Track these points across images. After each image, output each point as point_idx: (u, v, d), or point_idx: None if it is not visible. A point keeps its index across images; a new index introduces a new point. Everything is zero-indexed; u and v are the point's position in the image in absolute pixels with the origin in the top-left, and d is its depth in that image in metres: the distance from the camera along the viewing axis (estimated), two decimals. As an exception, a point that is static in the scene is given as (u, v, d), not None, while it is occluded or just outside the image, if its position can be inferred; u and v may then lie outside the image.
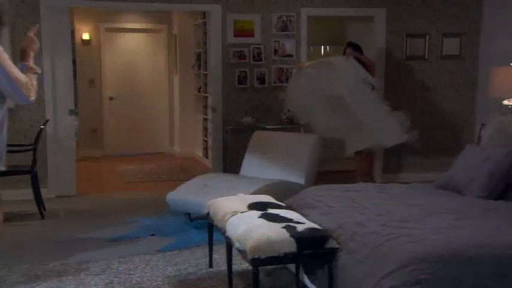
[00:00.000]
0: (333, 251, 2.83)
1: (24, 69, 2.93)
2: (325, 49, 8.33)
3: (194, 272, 3.82)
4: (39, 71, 3.05)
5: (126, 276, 3.71)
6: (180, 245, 4.43)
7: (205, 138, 8.46)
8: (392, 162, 6.95)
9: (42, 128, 5.49)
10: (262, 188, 4.86)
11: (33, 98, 2.91)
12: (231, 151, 6.57)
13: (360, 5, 6.73)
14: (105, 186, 6.99)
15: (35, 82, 2.94)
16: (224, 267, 3.83)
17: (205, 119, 8.45)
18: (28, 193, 5.40)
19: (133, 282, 3.62)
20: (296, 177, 5.32)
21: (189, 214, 5.13)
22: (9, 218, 4.88)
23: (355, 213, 3.11)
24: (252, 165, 5.73)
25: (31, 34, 3.04)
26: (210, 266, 3.89)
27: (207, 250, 4.15)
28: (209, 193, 4.86)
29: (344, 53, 6.09)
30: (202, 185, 5.18)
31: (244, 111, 6.61)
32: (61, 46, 6.12)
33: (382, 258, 2.49)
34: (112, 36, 9.21)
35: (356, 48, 6.07)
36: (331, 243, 2.86)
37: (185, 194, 5.07)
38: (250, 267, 3.71)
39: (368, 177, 6.00)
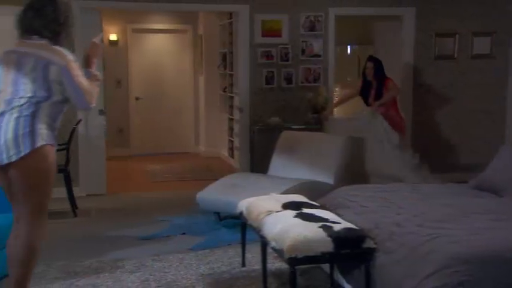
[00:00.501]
0: (370, 251, 2.84)
1: (88, 76, 3.01)
2: (351, 49, 8.30)
3: (227, 270, 3.85)
4: (101, 78, 3.18)
5: (161, 274, 3.76)
6: (211, 244, 4.47)
7: (231, 138, 8.50)
8: (421, 163, 6.88)
9: (74, 128, 5.58)
10: (291, 188, 4.88)
11: (93, 104, 3.03)
12: (258, 151, 6.60)
13: (389, 5, 6.70)
14: (133, 186, 7.08)
15: (97, 89, 3.04)
16: (257, 266, 3.87)
17: (231, 119, 8.49)
18: (60, 191, 5.49)
19: (169, 280, 3.67)
20: (325, 177, 5.32)
21: (218, 213, 5.17)
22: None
23: (391, 213, 3.11)
24: (280, 165, 5.75)
25: (96, 40, 3.13)
26: (243, 265, 3.92)
27: (238, 249, 4.19)
28: (239, 193, 4.89)
29: (364, 67, 6.24)
30: (231, 184, 5.21)
31: (271, 111, 6.63)
32: (92, 47, 6.20)
33: (422, 258, 2.49)
34: (139, 37, 9.31)
35: (376, 63, 6.14)
36: (368, 243, 2.86)
37: (215, 194, 5.11)
38: (284, 266, 3.80)
39: None
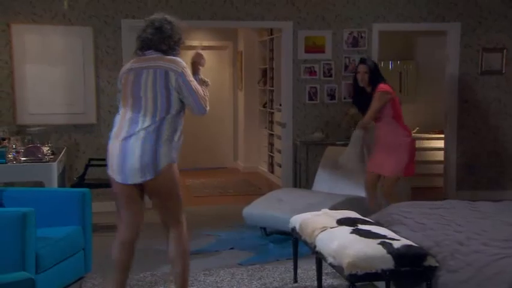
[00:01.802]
0: (432, 269, 2.81)
1: (198, 82, 3.22)
2: (395, 64, 8.27)
3: (280, 286, 3.85)
4: (210, 83, 3.38)
5: (213, 290, 3.79)
6: (260, 259, 4.48)
7: (271, 154, 8.53)
8: (467, 179, 6.79)
9: (122, 143, 5.69)
10: (338, 204, 4.87)
11: (208, 108, 3.22)
12: (301, 166, 6.61)
13: (433, 20, 6.67)
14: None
15: (207, 93, 3.25)
16: (309, 283, 3.86)
17: (271, 135, 8.53)
18: (109, 205, 5.58)
19: (222, 294, 3.69)
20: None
21: (264, 228, 5.19)
22: (95, 228, 5.08)
23: (451, 231, 3.08)
24: (324, 181, 5.75)
25: (199, 51, 3.42)
26: (295, 280, 3.91)
27: (287, 265, 4.20)
28: (285, 208, 4.92)
29: (356, 71, 5.03)
30: (277, 199, 5.24)
31: (314, 127, 6.64)
32: (138, 64, 6.34)
33: (491, 279, 2.45)
34: (180, 54, 9.45)
35: (371, 66, 4.91)
36: (430, 261, 2.84)
37: (261, 209, 5.14)
38: (336, 283, 3.79)
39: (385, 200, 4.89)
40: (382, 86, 4.82)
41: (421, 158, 7.71)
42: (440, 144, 7.37)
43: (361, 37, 6.63)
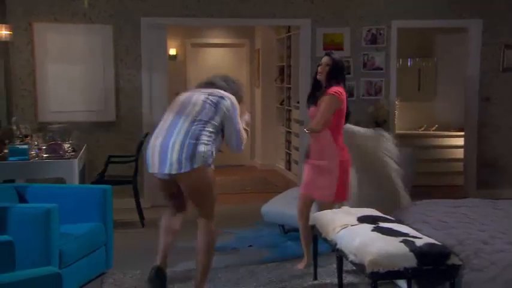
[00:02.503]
0: (456, 268, 2.79)
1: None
2: (413, 62, 8.21)
3: (300, 283, 3.86)
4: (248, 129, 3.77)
5: (233, 285, 3.80)
6: (279, 257, 4.48)
7: (288, 151, 8.52)
8: (487, 178, 6.72)
9: (142, 141, 5.72)
10: (356, 201, 4.85)
11: (243, 148, 3.62)
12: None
13: (454, 17, 6.60)
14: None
15: (245, 136, 3.64)
16: (328, 280, 3.86)
17: (288, 132, 8.52)
18: (128, 202, 5.64)
19: (242, 291, 3.70)
20: (390, 191, 5.26)
21: (283, 226, 5.19)
22: (114, 225, 5.12)
23: (474, 230, 3.05)
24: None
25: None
26: (315, 278, 3.91)
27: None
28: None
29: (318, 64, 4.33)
30: (296, 197, 5.21)
31: (332, 125, 6.61)
32: (157, 61, 6.38)
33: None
34: (196, 51, 9.50)
35: (334, 62, 4.21)
36: (453, 260, 2.81)
37: (280, 207, 5.14)
38: (356, 281, 3.78)
39: None
40: (335, 89, 4.02)
41: (441, 156, 7.67)
42: (460, 142, 7.31)
43: (380, 34, 6.59)
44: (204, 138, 3.35)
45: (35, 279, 2.16)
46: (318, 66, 4.24)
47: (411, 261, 2.81)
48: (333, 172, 3.98)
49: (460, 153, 7.28)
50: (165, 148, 3.34)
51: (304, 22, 6.54)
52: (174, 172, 3.33)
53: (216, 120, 3.42)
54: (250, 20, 6.66)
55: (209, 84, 3.66)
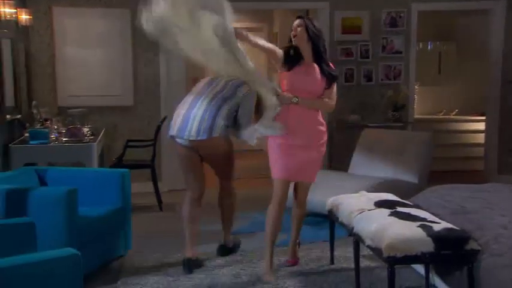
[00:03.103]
0: (474, 253, 2.76)
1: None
2: (433, 45, 8.09)
3: (316, 268, 3.87)
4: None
5: (251, 269, 3.83)
6: (296, 241, 4.48)
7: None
8: (509, 163, 6.62)
9: (159, 125, 5.76)
10: (375, 186, 4.83)
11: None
12: (337, 149, 6.57)
13: (476, -2, 6.48)
14: (212, 182, 7.19)
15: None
16: (345, 264, 3.86)
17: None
18: (146, 186, 5.69)
19: (259, 274, 3.72)
20: (409, 176, 5.24)
21: (300, 210, 5.18)
22: (132, 208, 5.17)
23: (494, 215, 3.01)
24: (361, 164, 5.69)
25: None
26: (332, 262, 3.91)
27: (323, 246, 4.21)
28: (320, 190, 4.88)
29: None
30: (314, 182, 5.21)
31: (350, 109, 6.57)
32: (175, 46, 6.37)
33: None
34: (215, 36, 9.46)
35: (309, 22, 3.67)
36: (472, 245, 2.79)
37: (296, 191, 5.12)
38: (372, 265, 3.77)
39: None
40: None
41: (461, 140, 7.58)
42: (481, 126, 7.22)
43: (400, 17, 6.50)
44: (223, 113, 3.64)
45: (54, 259, 2.20)
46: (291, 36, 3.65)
47: (428, 246, 2.80)
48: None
49: (481, 138, 7.19)
50: (186, 118, 3.67)
51: (323, 5, 6.48)
52: (192, 138, 3.65)
53: (233, 102, 3.67)
54: (268, 3, 6.61)
55: None
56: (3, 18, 4.70)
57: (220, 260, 4.03)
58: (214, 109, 3.64)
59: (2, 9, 4.69)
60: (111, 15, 6.07)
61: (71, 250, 2.32)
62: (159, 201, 5.58)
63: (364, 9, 6.47)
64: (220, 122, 3.63)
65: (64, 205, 3.37)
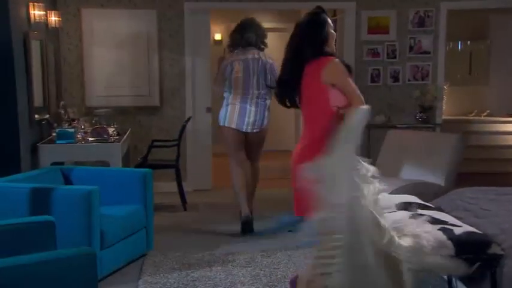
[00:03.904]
0: (497, 257, 2.69)
1: None
2: (464, 45, 7.92)
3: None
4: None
5: (270, 270, 3.81)
6: (318, 243, 4.44)
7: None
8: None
9: (184, 125, 5.79)
10: (400, 189, 4.74)
11: None
12: (363, 150, 6.48)
13: (508, -4, 6.32)
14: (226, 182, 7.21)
15: None
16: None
17: (333, 117, 8.41)
18: (171, 186, 5.74)
19: (279, 276, 3.71)
20: (435, 178, 5.12)
21: (324, 212, 5.14)
22: (157, 208, 5.22)
23: (517, 219, 2.93)
24: (387, 165, 5.59)
25: None
26: (353, 264, 3.86)
27: (346, 249, 4.15)
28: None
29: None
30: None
31: (377, 110, 6.48)
32: (200, 46, 6.42)
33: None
34: (242, 36, 9.46)
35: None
36: (495, 249, 2.72)
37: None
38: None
39: None
40: None
41: (492, 142, 7.41)
42: (512, 128, 7.05)
43: (428, 16, 6.38)
44: (267, 103, 4.86)
45: (70, 258, 2.22)
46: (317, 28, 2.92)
47: (449, 250, 2.73)
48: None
49: (512, 140, 7.02)
50: (243, 114, 4.76)
51: (349, 5, 6.42)
52: (249, 131, 4.80)
53: (267, 86, 4.80)
54: (295, 3, 6.58)
55: (247, 44, 4.82)
56: (33, 20, 4.80)
57: (241, 260, 4.02)
58: (262, 103, 4.81)
59: (32, 12, 4.80)
60: (137, 16, 6.14)
61: (87, 249, 2.36)
62: (183, 201, 5.61)
63: (391, 8, 6.38)
64: (267, 113, 4.85)
65: (85, 204, 3.42)
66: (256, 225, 4.92)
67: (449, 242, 2.75)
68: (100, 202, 3.54)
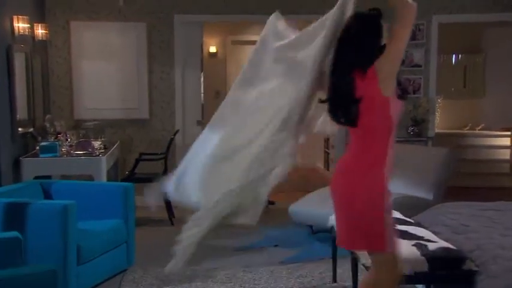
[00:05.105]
0: (471, 274, 2.63)
1: None
2: (458, 58, 7.88)
3: (318, 285, 3.76)
4: None
5: (250, 286, 3.75)
6: (303, 258, 4.39)
7: (327, 150, 8.38)
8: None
9: (172, 138, 5.76)
10: (388, 203, 4.69)
11: None
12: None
13: (502, 10, 6.25)
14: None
15: None
16: (348, 283, 3.74)
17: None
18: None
19: (258, 292, 3.65)
20: (423, 193, 5.06)
21: (311, 226, 5.08)
22: (143, 222, 5.18)
23: (495, 234, 2.87)
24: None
25: None
26: (334, 280, 3.81)
27: (330, 264, 4.08)
28: (331, 206, 4.78)
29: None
30: (324, 197, 5.10)
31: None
32: (191, 59, 6.40)
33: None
34: (237, 49, 9.47)
35: None
36: (469, 265, 2.65)
37: (307, 206, 5.04)
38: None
39: None
40: None
41: (486, 156, 7.34)
42: (508, 142, 6.97)
43: (419, 30, 6.34)
44: None
45: (29, 275, 2.18)
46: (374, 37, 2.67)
47: (423, 266, 2.68)
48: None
49: (508, 154, 6.94)
50: None
51: (340, 18, 6.38)
52: None
53: None
54: (288, 15, 6.53)
55: None
56: (17, 33, 4.80)
57: (222, 276, 3.96)
58: None
59: (16, 24, 4.80)
60: (127, 28, 6.14)
61: (47, 266, 2.30)
62: (170, 215, 5.56)
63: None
64: None
65: (61, 219, 3.37)
66: (244, 240, 4.86)
67: (422, 258, 2.69)
68: (77, 217, 3.49)
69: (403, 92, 2.46)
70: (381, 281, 2.41)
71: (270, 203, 6.19)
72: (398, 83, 2.43)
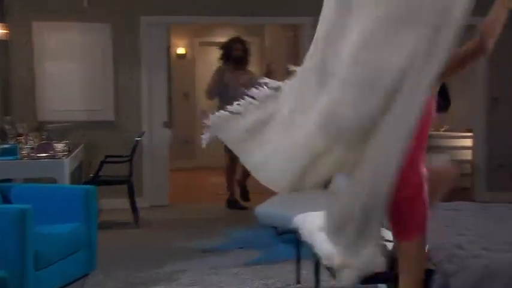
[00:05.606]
0: (428, 273, 2.65)
1: None
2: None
3: (282, 287, 3.77)
4: None
5: (215, 288, 3.73)
6: (268, 259, 4.40)
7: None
8: (498, 179, 6.48)
9: (138, 140, 5.70)
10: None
11: None
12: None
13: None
14: (197, 198, 7.13)
15: None
16: (312, 284, 3.74)
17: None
18: (123, 202, 5.62)
19: (221, 295, 3.63)
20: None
21: (276, 228, 5.08)
22: (107, 226, 5.11)
23: (452, 234, 2.91)
24: (341, 180, 5.58)
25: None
26: (298, 282, 3.82)
27: (294, 265, 4.09)
28: (296, 207, 4.78)
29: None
30: (290, 199, 5.11)
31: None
32: (157, 61, 6.35)
33: (484, 283, 2.29)
34: (205, 50, 9.44)
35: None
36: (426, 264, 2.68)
37: (272, 208, 5.02)
38: (339, 285, 3.65)
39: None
40: None
41: (451, 157, 7.44)
42: (470, 143, 7.09)
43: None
44: None
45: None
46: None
47: (382, 266, 2.69)
48: None
49: (470, 155, 7.07)
50: None
51: (306, 20, 6.41)
52: None
53: None
54: (254, 18, 6.56)
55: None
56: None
57: (186, 279, 3.92)
58: None
59: (-27, 25, 4.68)
60: (91, 29, 6.06)
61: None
62: (136, 218, 5.50)
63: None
64: None
65: (18, 224, 3.27)
66: (209, 242, 4.84)
67: (382, 259, 2.71)
68: (37, 221, 3.41)
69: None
70: None
71: (243, 208, 6.11)
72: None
